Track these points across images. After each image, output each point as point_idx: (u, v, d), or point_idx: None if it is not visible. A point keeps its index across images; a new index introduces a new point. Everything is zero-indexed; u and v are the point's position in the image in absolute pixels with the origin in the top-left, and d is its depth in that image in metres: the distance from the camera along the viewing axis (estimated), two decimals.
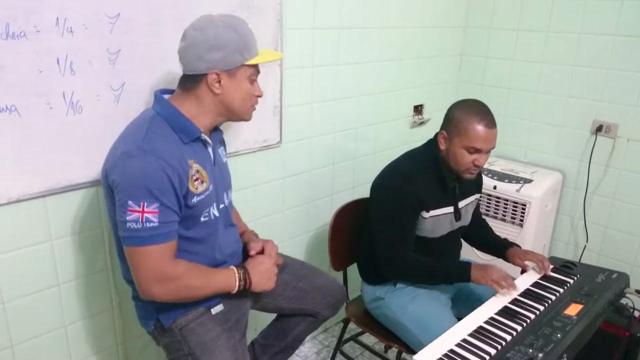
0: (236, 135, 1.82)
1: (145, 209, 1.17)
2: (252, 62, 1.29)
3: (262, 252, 1.48)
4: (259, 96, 1.37)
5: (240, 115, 1.36)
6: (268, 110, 1.90)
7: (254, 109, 1.39)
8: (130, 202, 1.16)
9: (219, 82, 1.27)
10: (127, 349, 1.75)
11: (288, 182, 2.10)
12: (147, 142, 1.20)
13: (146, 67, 1.50)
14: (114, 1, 1.39)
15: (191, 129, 1.28)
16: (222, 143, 1.52)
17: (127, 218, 1.17)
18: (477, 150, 1.59)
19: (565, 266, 1.75)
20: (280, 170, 2.06)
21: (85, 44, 1.37)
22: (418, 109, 2.61)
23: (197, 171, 1.28)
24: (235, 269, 1.35)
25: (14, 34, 1.25)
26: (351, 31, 2.12)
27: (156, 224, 1.18)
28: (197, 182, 1.28)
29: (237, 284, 1.33)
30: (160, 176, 1.18)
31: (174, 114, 1.27)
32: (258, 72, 1.35)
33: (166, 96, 1.33)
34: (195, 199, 1.28)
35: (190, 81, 1.29)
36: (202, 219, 1.33)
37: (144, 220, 1.17)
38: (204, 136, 1.32)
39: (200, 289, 1.29)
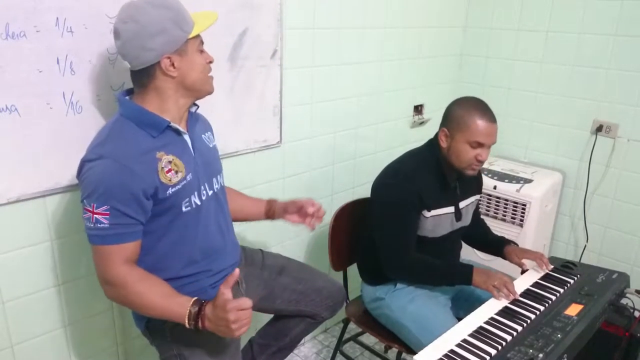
0: (236, 135, 1.82)
1: (95, 210, 1.18)
2: (194, 33, 1.24)
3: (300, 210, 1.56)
4: (211, 62, 1.32)
5: (203, 90, 1.33)
6: (268, 110, 1.90)
7: (212, 78, 1.34)
8: (85, 201, 1.19)
9: (173, 65, 1.23)
10: (127, 349, 1.75)
11: (288, 182, 2.10)
12: (104, 146, 1.20)
13: None
14: (114, 1, 1.39)
15: (157, 121, 1.25)
16: (207, 128, 1.49)
17: (83, 216, 1.20)
18: (480, 145, 1.60)
19: (565, 266, 1.75)
20: (280, 170, 2.05)
21: (85, 44, 1.37)
22: (418, 109, 2.61)
23: (170, 162, 1.26)
24: (189, 304, 1.21)
25: (14, 34, 1.25)
26: (351, 31, 2.12)
27: (106, 225, 1.19)
28: (170, 173, 1.26)
29: (187, 322, 1.21)
30: (114, 180, 1.17)
31: (136, 111, 1.25)
32: (202, 39, 1.30)
33: (129, 96, 1.30)
34: (170, 190, 1.26)
35: (144, 76, 1.24)
36: (183, 209, 1.30)
37: (94, 221, 1.19)
38: (175, 125, 1.28)
39: (146, 308, 1.24)
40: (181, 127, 1.31)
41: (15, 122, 1.30)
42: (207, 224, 1.38)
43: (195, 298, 1.23)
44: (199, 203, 1.35)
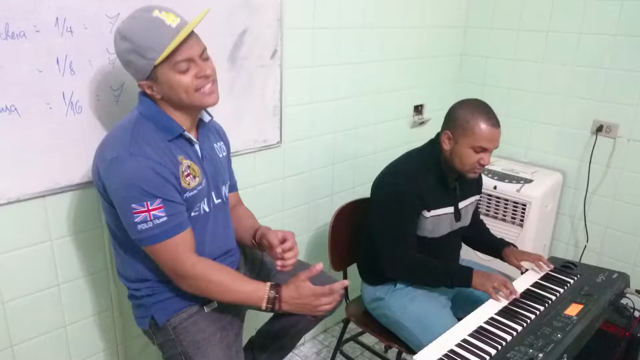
0: (236, 135, 1.82)
1: (150, 207, 1.18)
2: (160, 59, 1.16)
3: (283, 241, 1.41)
4: (204, 76, 1.22)
5: (197, 106, 1.26)
6: (268, 110, 1.90)
7: (209, 90, 1.25)
8: (134, 205, 1.17)
9: (151, 88, 1.23)
10: (127, 349, 1.75)
11: (288, 182, 2.10)
12: (135, 145, 1.19)
13: None
14: (114, 1, 1.39)
15: (173, 126, 1.26)
16: (221, 138, 1.50)
17: (136, 220, 1.18)
18: (484, 150, 1.60)
19: (565, 266, 1.75)
20: (280, 170, 2.05)
21: (85, 44, 1.37)
22: (418, 109, 2.60)
23: (189, 166, 1.28)
24: (266, 288, 1.28)
25: (14, 34, 1.25)
26: (351, 31, 2.12)
27: (165, 219, 1.20)
28: (188, 177, 1.28)
29: (264, 305, 1.28)
30: (153, 176, 1.18)
31: (157, 112, 1.26)
32: (187, 55, 1.19)
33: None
34: (188, 194, 1.28)
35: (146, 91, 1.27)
36: (192, 214, 1.32)
37: (152, 218, 1.19)
38: (187, 134, 1.29)
39: (226, 294, 1.28)
40: (193, 137, 1.32)
41: (15, 122, 1.31)
42: (215, 231, 1.40)
43: (270, 283, 1.30)
44: (207, 210, 1.36)
